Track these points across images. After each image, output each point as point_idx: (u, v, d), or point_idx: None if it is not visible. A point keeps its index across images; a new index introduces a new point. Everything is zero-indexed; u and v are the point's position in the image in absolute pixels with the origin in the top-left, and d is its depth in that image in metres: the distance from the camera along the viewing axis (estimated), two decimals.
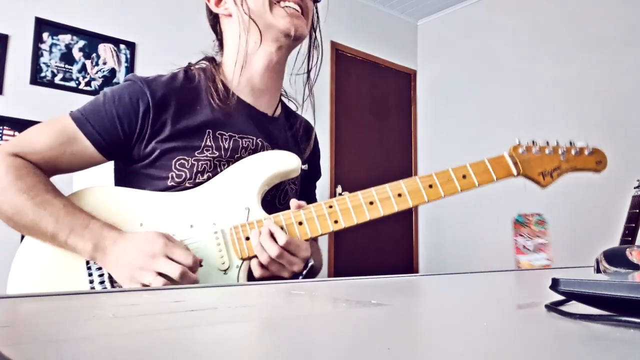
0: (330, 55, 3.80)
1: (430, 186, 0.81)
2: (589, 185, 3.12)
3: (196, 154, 0.84)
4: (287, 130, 0.99)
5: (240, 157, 0.87)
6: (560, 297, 0.35)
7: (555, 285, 0.34)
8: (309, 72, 0.98)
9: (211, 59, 0.96)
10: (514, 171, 0.85)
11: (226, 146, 0.86)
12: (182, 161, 0.83)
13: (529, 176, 0.86)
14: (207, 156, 0.84)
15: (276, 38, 0.89)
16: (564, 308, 0.33)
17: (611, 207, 2.78)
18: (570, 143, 0.90)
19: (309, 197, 1.04)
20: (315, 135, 1.08)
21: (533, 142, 0.88)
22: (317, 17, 0.97)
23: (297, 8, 0.88)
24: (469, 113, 3.94)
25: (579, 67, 3.31)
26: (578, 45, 3.33)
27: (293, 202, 0.80)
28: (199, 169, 0.83)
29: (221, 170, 0.84)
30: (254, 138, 0.90)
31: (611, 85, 3.15)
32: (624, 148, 3.01)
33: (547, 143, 0.89)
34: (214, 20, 0.97)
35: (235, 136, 0.88)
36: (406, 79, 4.36)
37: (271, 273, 0.78)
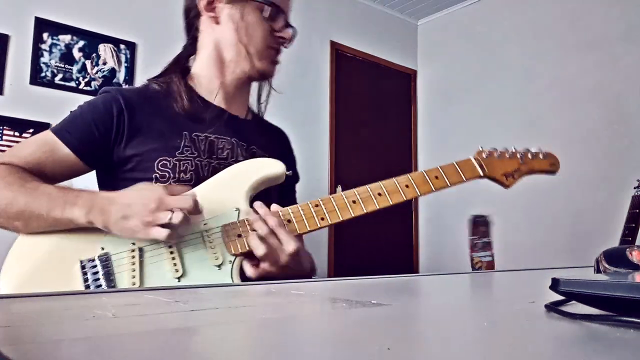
0: (330, 55, 3.80)
1: (407, 186, 0.88)
2: (589, 185, 3.13)
3: (177, 154, 0.87)
4: (260, 133, 1.03)
5: (218, 157, 0.91)
6: (560, 297, 0.35)
7: (555, 285, 0.34)
8: (259, 98, 1.05)
9: (179, 66, 1.00)
10: (480, 172, 0.94)
11: (202, 147, 0.90)
12: (164, 161, 0.85)
13: (494, 177, 0.95)
14: (187, 156, 0.87)
15: (251, 73, 0.96)
16: (564, 308, 0.33)
17: (611, 207, 2.78)
18: (526, 149, 1.00)
19: (290, 200, 1.07)
20: (289, 142, 1.12)
21: (494, 149, 0.98)
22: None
23: (280, 51, 0.98)
24: (469, 113, 3.94)
25: (579, 67, 3.31)
26: (578, 45, 3.33)
27: (274, 207, 0.84)
28: (182, 168, 0.86)
29: (202, 170, 0.88)
30: (229, 138, 0.94)
31: (611, 85, 3.15)
32: (623, 148, 3.02)
33: (506, 149, 0.99)
34: (195, 15, 0.99)
35: (210, 137, 0.92)
36: (406, 79, 4.36)
37: (262, 271, 0.80)
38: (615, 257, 0.58)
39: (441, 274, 0.76)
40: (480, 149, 0.97)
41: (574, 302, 0.34)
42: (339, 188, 3.75)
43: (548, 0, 3.53)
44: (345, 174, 3.77)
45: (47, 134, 0.86)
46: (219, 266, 0.79)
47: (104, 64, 2.81)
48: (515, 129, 3.57)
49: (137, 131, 0.87)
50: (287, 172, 0.89)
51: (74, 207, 0.74)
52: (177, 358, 0.21)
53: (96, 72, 2.78)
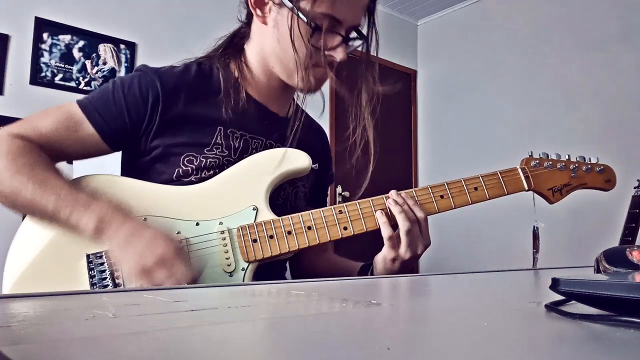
0: None
1: (442, 197, 0.82)
2: None
3: (205, 151, 0.82)
4: (298, 132, 0.96)
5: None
6: (560, 297, 0.35)
7: (555, 285, 0.34)
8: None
9: (235, 47, 0.92)
10: (525, 186, 0.85)
11: (236, 145, 0.85)
12: (191, 157, 0.82)
13: (539, 191, 0.87)
14: (216, 154, 0.83)
15: (290, 85, 0.88)
16: (564, 308, 0.33)
17: (611, 207, 2.78)
18: (583, 158, 0.89)
19: (321, 202, 1.04)
20: (327, 140, 1.06)
21: (546, 156, 0.88)
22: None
23: (330, 68, 0.85)
24: (469, 113, 3.94)
25: (579, 67, 3.31)
26: (578, 45, 3.33)
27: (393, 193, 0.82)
28: (207, 165, 0.82)
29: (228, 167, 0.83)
30: (264, 139, 0.89)
31: (611, 85, 3.15)
32: (623, 148, 3.01)
33: (559, 156, 0.88)
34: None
35: (246, 135, 0.87)
36: (406, 79, 4.36)
37: (396, 253, 0.81)
38: (615, 257, 0.58)
39: (441, 274, 0.76)
40: (530, 156, 0.87)
41: (574, 302, 0.34)
42: (340, 188, 3.75)
43: (548, 1, 3.53)
44: (345, 174, 3.77)
45: (73, 107, 0.80)
46: (231, 273, 0.75)
47: (104, 64, 2.81)
48: (515, 129, 3.57)
49: (169, 124, 0.82)
50: (313, 166, 0.84)
51: (83, 215, 0.70)
52: (177, 358, 0.21)
53: (96, 72, 2.78)
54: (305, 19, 0.79)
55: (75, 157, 0.83)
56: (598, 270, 0.59)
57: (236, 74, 0.90)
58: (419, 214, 0.81)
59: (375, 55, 0.89)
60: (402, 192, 0.82)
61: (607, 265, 0.58)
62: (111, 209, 0.72)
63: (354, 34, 0.87)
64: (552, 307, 0.34)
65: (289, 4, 0.80)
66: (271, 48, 0.86)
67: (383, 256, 0.84)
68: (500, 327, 0.31)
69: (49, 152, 0.79)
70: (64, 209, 0.71)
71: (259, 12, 0.85)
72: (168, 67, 0.87)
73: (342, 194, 3.73)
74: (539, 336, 0.27)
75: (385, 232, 0.80)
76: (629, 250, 0.57)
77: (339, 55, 0.83)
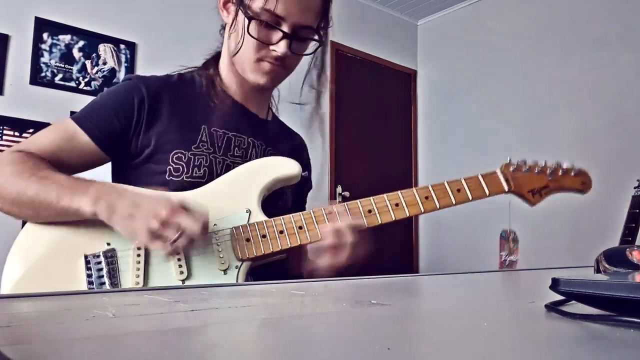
0: (330, 55, 3.79)
1: (427, 198, 0.85)
2: None
3: (193, 148, 0.86)
4: (278, 136, 1.02)
5: (234, 155, 0.90)
6: (560, 297, 0.35)
7: (555, 285, 0.34)
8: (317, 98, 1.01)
9: (210, 63, 0.98)
10: (506, 187, 0.88)
11: (219, 143, 0.89)
12: (179, 154, 0.85)
13: (520, 193, 0.90)
14: (203, 151, 0.86)
15: (248, 83, 0.92)
16: (564, 308, 0.33)
17: (611, 207, 2.78)
18: (558, 164, 0.93)
19: (301, 206, 1.06)
20: (306, 149, 1.10)
21: (523, 161, 0.91)
22: (318, 62, 0.96)
23: (277, 63, 0.89)
24: (469, 113, 3.94)
25: (579, 67, 3.31)
26: (578, 45, 3.33)
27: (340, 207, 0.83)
28: (196, 163, 0.85)
29: (216, 167, 0.87)
30: (246, 137, 0.93)
31: (611, 85, 3.15)
32: (623, 148, 3.01)
33: (535, 162, 0.92)
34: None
35: (228, 133, 0.91)
36: (406, 79, 4.36)
37: (333, 256, 0.81)
38: (615, 257, 0.58)
39: (441, 274, 0.76)
40: (508, 161, 0.91)
41: (574, 302, 0.34)
42: (339, 188, 3.75)
43: (548, 0, 3.53)
44: (345, 174, 3.77)
45: (67, 122, 0.85)
46: (225, 271, 0.78)
47: (104, 64, 2.81)
48: (515, 128, 3.57)
49: (156, 122, 0.86)
50: (303, 173, 0.88)
51: (82, 197, 0.73)
52: (177, 358, 0.21)
53: (96, 72, 2.78)
54: (246, 14, 0.85)
55: (75, 169, 0.86)
56: (598, 270, 0.59)
57: (214, 75, 0.95)
58: (348, 236, 0.82)
59: (327, 58, 0.98)
60: (344, 204, 0.84)
61: (607, 265, 0.58)
62: (107, 188, 0.75)
63: (314, 35, 0.91)
64: (552, 307, 0.34)
65: (236, 1, 0.87)
66: (232, 46, 0.91)
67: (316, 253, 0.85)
68: (501, 327, 0.31)
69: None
70: (65, 197, 0.74)
71: (225, 13, 0.92)
72: (151, 75, 0.92)
73: (342, 193, 3.74)
74: (539, 336, 0.27)
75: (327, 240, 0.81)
76: (629, 250, 0.57)
77: (280, 49, 0.86)
